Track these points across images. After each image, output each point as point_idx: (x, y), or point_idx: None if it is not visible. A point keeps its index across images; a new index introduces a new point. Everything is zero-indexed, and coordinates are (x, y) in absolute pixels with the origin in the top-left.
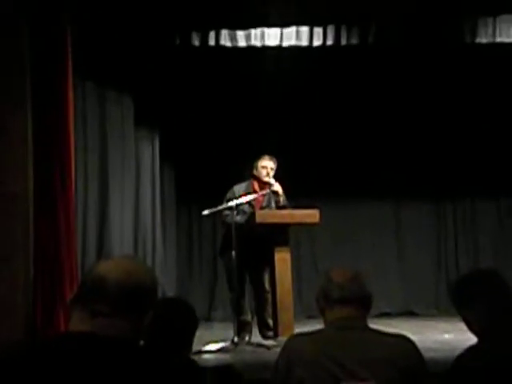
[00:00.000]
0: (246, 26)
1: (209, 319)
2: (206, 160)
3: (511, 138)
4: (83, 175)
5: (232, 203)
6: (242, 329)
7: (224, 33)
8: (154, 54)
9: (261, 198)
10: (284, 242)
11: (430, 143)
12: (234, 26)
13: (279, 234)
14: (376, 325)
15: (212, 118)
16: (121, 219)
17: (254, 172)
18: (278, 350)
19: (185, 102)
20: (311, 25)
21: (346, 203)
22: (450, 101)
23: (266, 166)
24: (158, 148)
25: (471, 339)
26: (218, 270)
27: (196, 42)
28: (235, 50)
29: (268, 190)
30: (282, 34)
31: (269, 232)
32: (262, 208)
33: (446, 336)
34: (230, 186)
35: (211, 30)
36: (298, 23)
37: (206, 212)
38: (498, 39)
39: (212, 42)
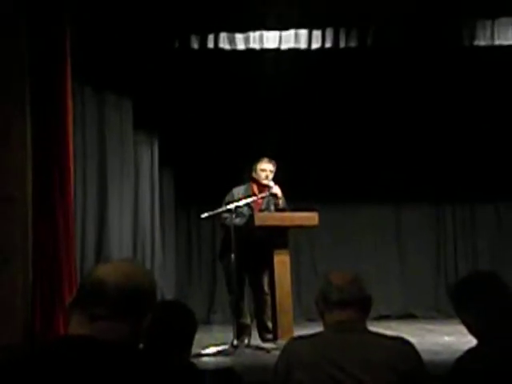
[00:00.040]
0: (245, 28)
1: (208, 322)
2: (204, 163)
3: (511, 142)
4: (82, 179)
5: (231, 206)
6: (241, 332)
7: (223, 36)
8: (152, 57)
9: (260, 201)
10: (283, 245)
11: (429, 147)
12: (232, 29)
13: (278, 236)
14: (376, 327)
15: (211, 122)
16: (120, 223)
17: (253, 175)
18: (278, 352)
19: (184, 105)
20: (310, 27)
21: (346, 206)
22: (449, 104)
23: (265, 169)
24: (157, 152)
25: (471, 342)
26: (218, 272)
27: (195, 45)
28: (234, 52)
29: (267, 193)
30: (280, 36)
31: (268, 235)
32: (261, 211)
33: (446, 338)
34: (229, 189)
35: (210, 33)
36: (297, 26)
37: (205, 215)
38: (497, 42)
39: (211, 45)
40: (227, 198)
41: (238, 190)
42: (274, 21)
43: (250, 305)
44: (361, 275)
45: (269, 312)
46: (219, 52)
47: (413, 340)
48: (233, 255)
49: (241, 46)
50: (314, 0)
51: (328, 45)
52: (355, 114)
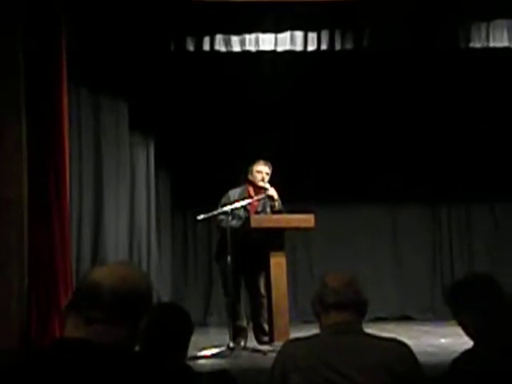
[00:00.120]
0: (241, 31)
1: (204, 324)
2: (200, 165)
3: (506, 143)
4: (78, 181)
5: (227, 208)
6: (237, 334)
7: (218, 38)
8: (148, 59)
9: (256, 203)
10: (279, 247)
11: (425, 147)
12: (228, 31)
13: (274, 238)
14: (371, 329)
15: (207, 124)
16: (116, 225)
17: (249, 177)
18: (274, 355)
19: (180, 107)
20: (305, 30)
21: (342, 208)
22: (444, 105)
23: (261, 171)
24: (153, 153)
25: (467, 343)
26: (214, 275)
27: (191, 48)
28: (230, 55)
29: (263, 195)
30: (276, 38)
31: (264, 237)
32: (257, 213)
33: (442, 340)
34: (225, 191)
35: (206, 35)
36: (293, 28)
37: (201, 217)
38: (492, 44)
39: (207, 47)
40: (223, 200)
41: (234, 192)
42: (269, 23)
43: (246, 307)
44: (357, 277)
45: (265, 314)
46: (215, 54)
47: (409, 342)
48: (229, 257)
49: (236, 48)
50: (310, 2)
51: (324, 47)
52: (351, 115)
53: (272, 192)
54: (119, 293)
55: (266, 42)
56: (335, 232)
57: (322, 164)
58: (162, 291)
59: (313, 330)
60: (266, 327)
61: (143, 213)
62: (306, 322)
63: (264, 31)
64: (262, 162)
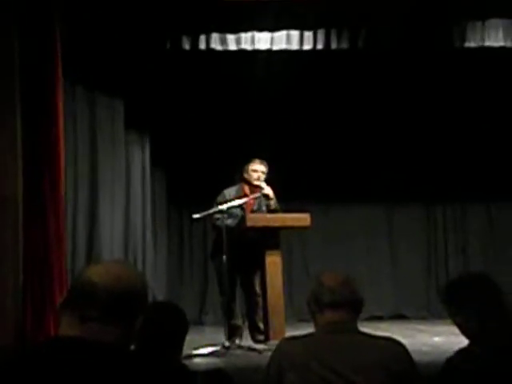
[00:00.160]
0: (237, 29)
1: (200, 323)
2: (196, 164)
3: (501, 143)
4: (73, 179)
5: (223, 207)
6: (232, 333)
7: (214, 36)
8: (144, 57)
9: (251, 202)
10: (275, 246)
11: (420, 148)
12: (224, 30)
13: (270, 237)
14: (367, 328)
15: (203, 122)
16: (111, 223)
17: (245, 176)
18: (269, 353)
19: (175, 105)
20: (301, 29)
21: (338, 207)
22: (439, 105)
23: (257, 170)
24: (149, 152)
25: (462, 342)
26: (209, 273)
27: (186, 46)
28: (226, 53)
29: (259, 194)
30: (272, 37)
31: (260, 236)
32: (252, 212)
33: (437, 339)
34: (221, 190)
35: (201, 33)
36: (289, 27)
37: (196, 216)
38: (487, 43)
39: (202, 46)
40: (219, 199)
41: (230, 191)
42: (265, 22)
43: (241, 306)
44: (352, 276)
45: (260, 313)
46: (211, 53)
47: (404, 340)
48: (224, 256)
49: (232, 47)
50: (306, 1)
51: (320, 46)
52: (347, 115)
53: (268, 191)
54: (114, 291)
55: (261, 40)
56: (331, 231)
57: (318, 163)
58: (158, 290)
59: (308, 329)
60: (262, 326)
61: (139, 211)
62: (302, 320)
63: (260, 30)
64: (257, 160)
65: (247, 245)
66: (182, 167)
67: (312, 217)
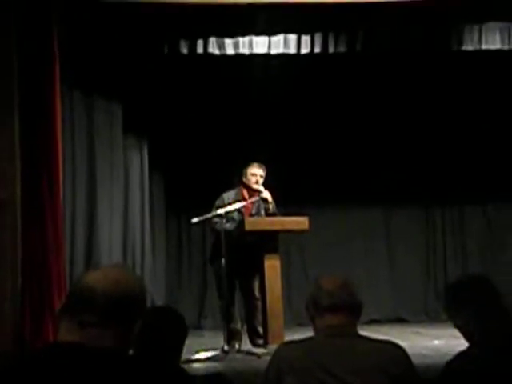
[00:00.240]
0: (234, 33)
1: (198, 327)
2: (194, 168)
3: (499, 145)
4: (71, 183)
5: (221, 211)
6: (231, 337)
7: (212, 41)
8: (142, 62)
9: (250, 206)
10: (273, 250)
11: (418, 150)
12: (221, 34)
13: (269, 241)
14: (366, 331)
15: (201, 126)
16: (109, 227)
17: (243, 179)
18: (268, 357)
19: (173, 109)
20: (299, 32)
21: (336, 210)
22: (437, 108)
23: (256, 174)
24: (147, 156)
25: (461, 345)
26: (208, 277)
27: (184, 50)
28: (223, 57)
29: (257, 198)
30: (269, 41)
31: (258, 239)
32: (251, 215)
33: (436, 342)
34: (219, 194)
35: (199, 38)
36: (286, 31)
37: (195, 220)
38: (484, 46)
39: (200, 50)
40: (217, 203)
41: (228, 195)
42: (263, 26)
43: (240, 310)
44: (351, 279)
45: (259, 317)
46: (208, 57)
47: (403, 344)
48: (223, 260)
49: (230, 51)
50: (303, 5)
51: (317, 50)
52: (345, 118)
53: (266, 194)
54: (113, 296)
55: (259, 44)
56: (329, 235)
57: (316, 167)
58: (156, 294)
59: (307, 333)
60: (261, 330)
61: (137, 215)
62: (301, 324)
63: (257, 34)
64: (256, 164)
65: (246, 249)
66: (181, 171)
67: (310, 220)
